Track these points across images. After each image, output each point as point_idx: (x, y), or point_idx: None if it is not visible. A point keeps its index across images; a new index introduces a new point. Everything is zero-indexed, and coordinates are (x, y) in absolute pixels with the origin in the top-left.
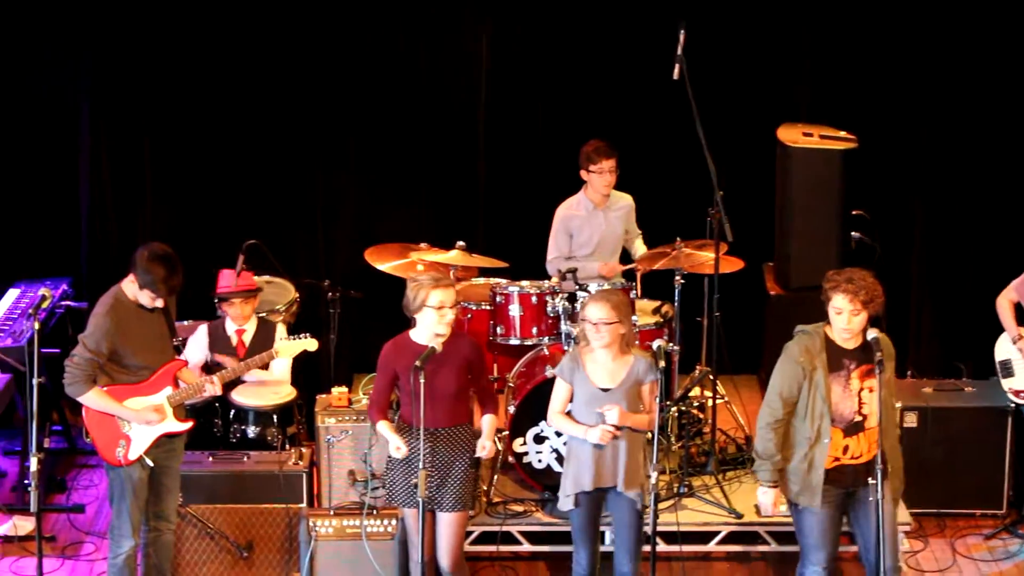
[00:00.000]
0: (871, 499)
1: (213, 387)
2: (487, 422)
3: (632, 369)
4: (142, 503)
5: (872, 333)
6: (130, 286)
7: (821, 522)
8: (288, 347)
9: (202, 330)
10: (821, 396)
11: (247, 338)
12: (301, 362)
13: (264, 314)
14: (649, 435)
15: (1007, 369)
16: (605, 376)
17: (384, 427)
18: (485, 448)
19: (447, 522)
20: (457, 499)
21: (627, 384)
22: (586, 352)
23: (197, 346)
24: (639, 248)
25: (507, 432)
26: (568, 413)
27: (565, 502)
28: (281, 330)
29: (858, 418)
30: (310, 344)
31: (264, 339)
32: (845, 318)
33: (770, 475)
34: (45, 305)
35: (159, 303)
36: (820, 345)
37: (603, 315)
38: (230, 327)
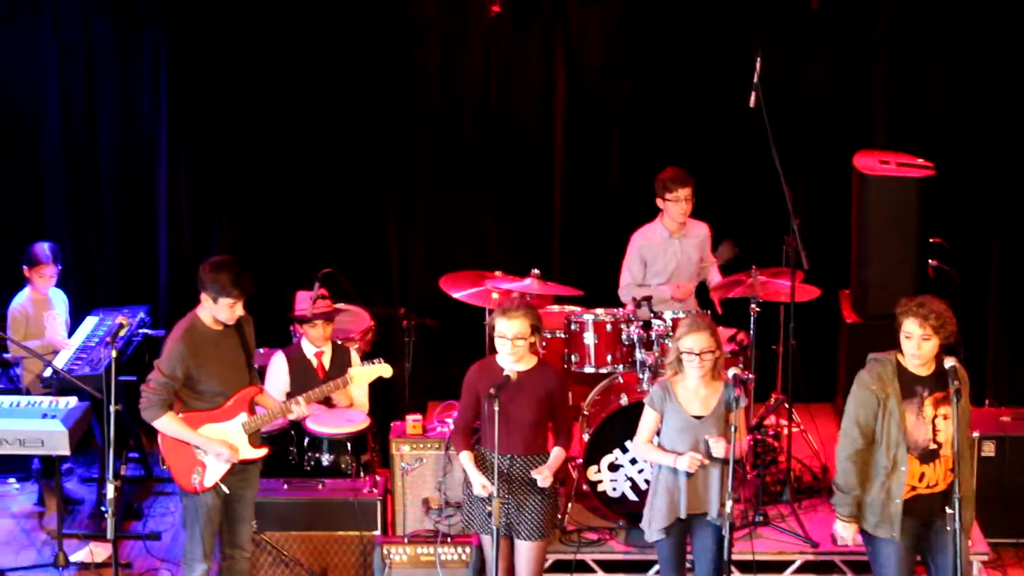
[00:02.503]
0: (948, 529)
1: (300, 407)
2: (555, 453)
3: (723, 395)
4: (215, 528)
5: (949, 361)
6: (204, 311)
7: (898, 553)
8: (363, 373)
9: (280, 356)
10: (896, 423)
11: (326, 361)
12: (376, 390)
13: (340, 342)
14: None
15: None
16: (697, 404)
17: (467, 460)
18: (541, 475)
19: (525, 550)
20: (535, 527)
21: (719, 411)
22: (677, 380)
23: (278, 372)
24: (715, 276)
25: (581, 460)
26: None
27: (653, 533)
28: (355, 356)
29: (933, 446)
30: (384, 370)
31: (341, 363)
32: (915, 343)
33: (849, 509)
34: (122, 333)
35: (239, 310)
36: (892, 372)
37: (704, 344)
38: (308, 350)
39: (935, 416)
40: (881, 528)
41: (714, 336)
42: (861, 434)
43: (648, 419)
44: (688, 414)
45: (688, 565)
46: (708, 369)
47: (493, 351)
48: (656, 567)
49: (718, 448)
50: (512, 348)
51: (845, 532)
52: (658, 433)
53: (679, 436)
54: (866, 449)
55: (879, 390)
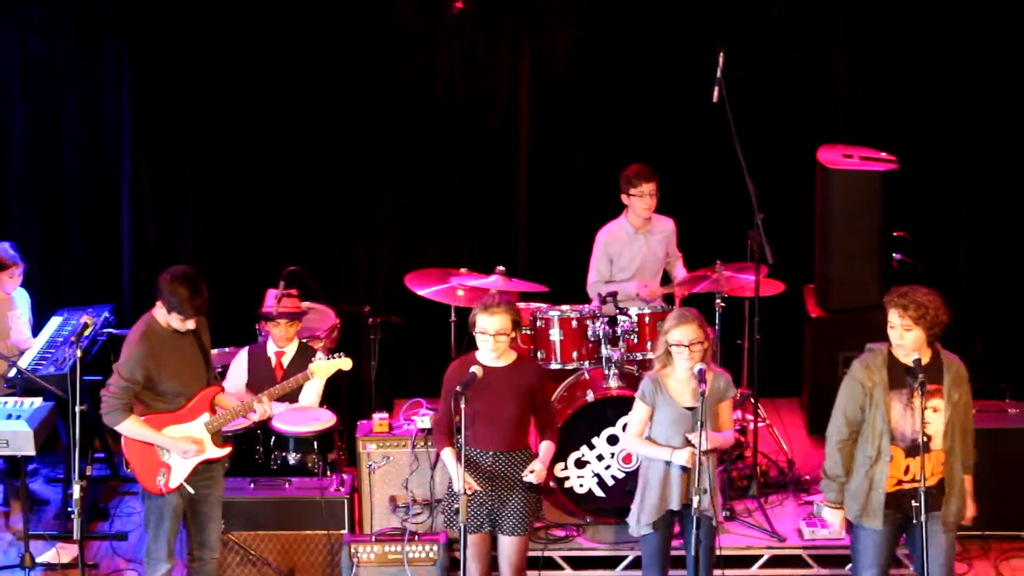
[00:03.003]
0: (917, 521)
1: (262, 406)
2: (544, 448)
3: (713, 386)
4: (177, 527)
5: (915, 355)
6: (161, 312)
7: (877, 543)
8: (323, 367)
9: (243, 354)
10: (881, 414)
11: (286, 360)
12: (342, 387)
13: (305, 340)
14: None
15: None
16: (688, 396)
17: (448, 457)
18: (534, 471)
19: (509, 545)
20: (519, 522)
21: (710, 401)
22: (667, 373)
23: (239, 369)
24: (679, 271)
25: None
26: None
27: (641, 528)
28: (320, 356)
29: (922, 438)
30: (344, 363)
31: (303, 363)
32: (897, 333)
33: (836, 495)
34: (87, 333)
35: (190, 324)
36: (882, 362)
37: (693, 335)
38: (270, 349)
39: (925, 408)
40: (863, 517)
41: (702, 327)
42: (847, 423)
43: (639, 413)
44: (680, 406)
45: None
46: (698, 360)
47: (462, 348)
48: (625, 562)
49: (694, 439)
50: (494, 344)
51: (832, 518)
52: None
53: (673, 428)
54: (853, 438)
55: (866, 379)
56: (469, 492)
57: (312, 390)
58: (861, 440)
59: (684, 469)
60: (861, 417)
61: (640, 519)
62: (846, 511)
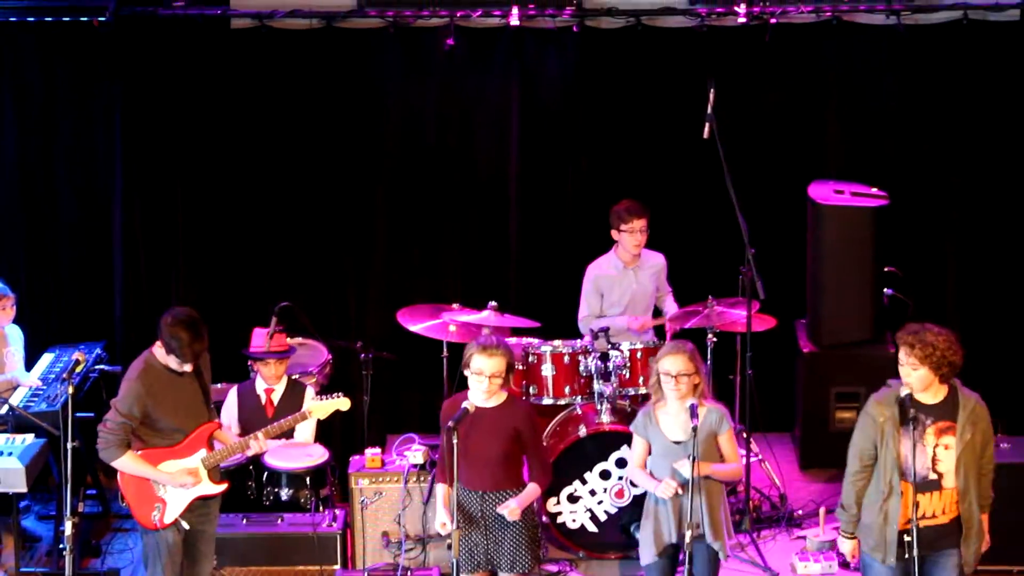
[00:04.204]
0: (945, 561)
1: (258, 443)
2: (528, 488)
3: (705, 421)
4: (176, 566)
5: (905, 390)
6: (160, 351)
7: None
8: (321, 407)
9: (232, 393)
10: (890, 449)
11: (275, 397)
12: (334, 424)
13: (297, 376)
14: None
15: None
16: (677, 429)
17: (439, 493)
18: (508, 508)
19: None
20: (515, 559)
21: (702, 435)
22: (660, 406)
23: (228, 409)
24: (670, 305)
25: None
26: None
27: (646, 557)
28: (310, 392)
29: (932, 475)
30: (343, 404)
31: (293, 400)
32: (904, 371)
33: (848, 526)
34: (79, 369)
35: (187, 367)
36: (894, 398)
37: (682, 367)
38: (259, 386)
39: (936, 445)
40: (877, 552)
41: (692, 360)
42: (858, 457)
43: (637, 445)
44: (668, 439)
45: None
46: (685, 392)
47: (454, 384)
48: None
49: (684, 469)
50: (489, 386)
51: (843, 548)
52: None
53: (661, 462)
54: (867, 472)
55: (878, 415)
56: (442, 530)
57: (307, 427)
58: (874, 476)
59: (672, 502)
60: (874, 451)
61: (644, 549)
62: (862, 544)
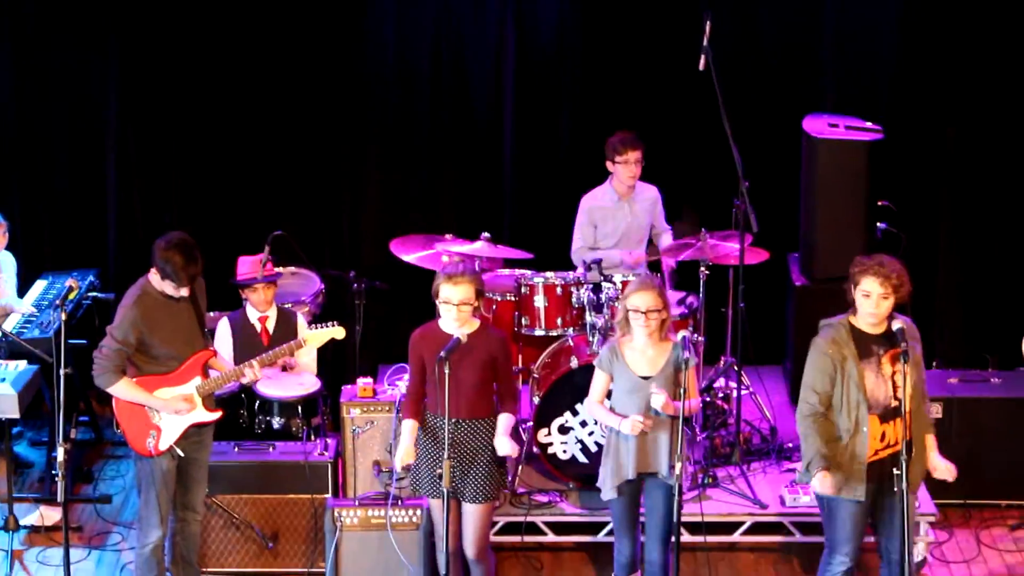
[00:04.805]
0: (896, 489)
1: (252, 371)
2: (502, 420)
3: (671, 356)
4: (171, 493)
5: (897, 323)
6: (155, 277)
7: (854, 515)
8: (316, 335)
9: (224, 323)
10: (855, 385)
11: (270, 325)
12: (327, 353)
13: (289, 305)
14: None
15: None
16: (645, 364)
17: (407, 429)
18: (501, 445)
19: (470, 513)
20: (479, 491)
21: (667, 371)
22: (625, 342)
23: (223, 338)
24: (665, 240)
25: (532, 423)
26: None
27: (607, 492)
28: (302, 320)
29: (894, 403)
30: (338, 332)
31: (286, 329)
32: (873, 302)
33: (820, 461)
34: (72, 296)
35: (184, 292)
36: (847, 335)
37: (651, 303)
38: (252, 315)
39: (893, 373)
40: (845, 489)
41: (661, 296)
42: (819, 400)
43: (598, 380)
44: (636, 375)
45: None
46: (655, 329)
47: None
48: (607, 528)
49: (658, 400)
50: (457, 314)
51: (824, 483)
52: (610, 394)
53: (628, 398)
54: (824, 413)
55: (835, 353)
56: (406, 460)
57: (308, 355)
58: (835, 415)
59: (641, 436)
60: (831, 390)
61: (605, 484)
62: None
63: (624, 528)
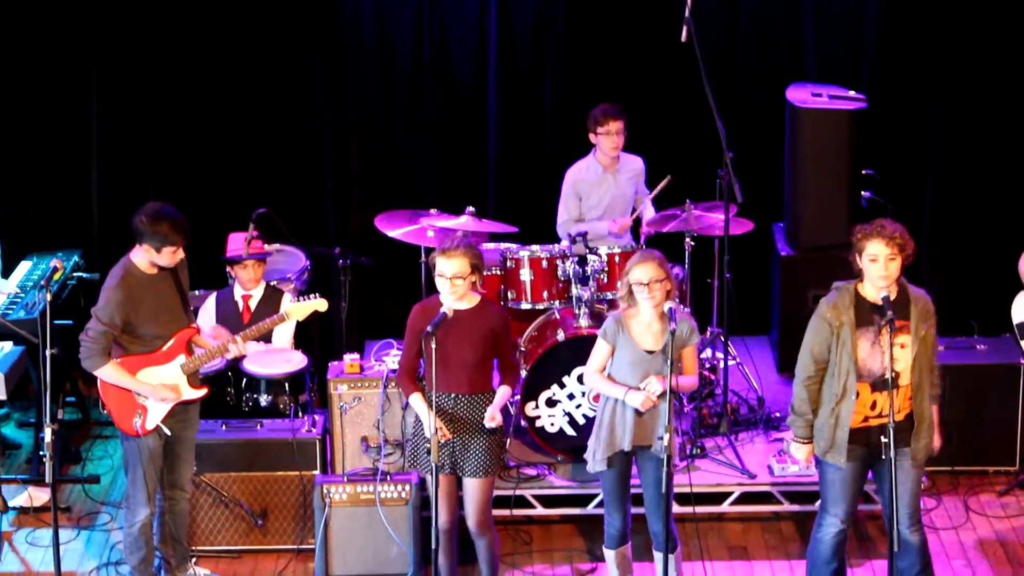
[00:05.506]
0: (884, 458)
1: (236, 346)
2: (500, 391)
3: (677, 331)
4: (157, 472)
5: (884, 292)
6: (140, 256)
7: (844, 478)
8: (298, 308)
9: (211, 299)
10: (847, 352)
11: (253, 303)
12: (313, 329)
13: (275, 282)
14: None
15: None
16: (650, 338)
17: (418, 401)
18: (495, 419)
19: (471, 487)
20: (479, 465)
21: (674, 345)
22: (631, 314)
23: (206, 315)
24: (648, 211)
25: (519, 396)
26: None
27: (596, 464)
28: (287, 297)
29: (890, 374)
30: (320, 304)
31: (270, 306)
32: (881, 264)
33: (803, 431)
34: (57, 277)
35: (180, 254)
36: (849, 301)
37: (653, 274)
38: (237, 292)
39: (893, 344)
40: (829, 454)
41: (662, 266)
42: (813, 361)
43: (600, 350)
44: (640, 348)
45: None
46: (659, 300)
47: (430, 290)
48: (596, 500)
49: (655, 387)
50: (451, 287)
51: (798, 453)
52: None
53: (630, 370)
54: (819, 376)
55: (833, 318)
56: (441, 439)
57: (285, 332)
58: (828, 378)
59: (637, 411)
60: (828, 355)
61: (595, 455)
62: (813, 447)
63: (615, 501)
